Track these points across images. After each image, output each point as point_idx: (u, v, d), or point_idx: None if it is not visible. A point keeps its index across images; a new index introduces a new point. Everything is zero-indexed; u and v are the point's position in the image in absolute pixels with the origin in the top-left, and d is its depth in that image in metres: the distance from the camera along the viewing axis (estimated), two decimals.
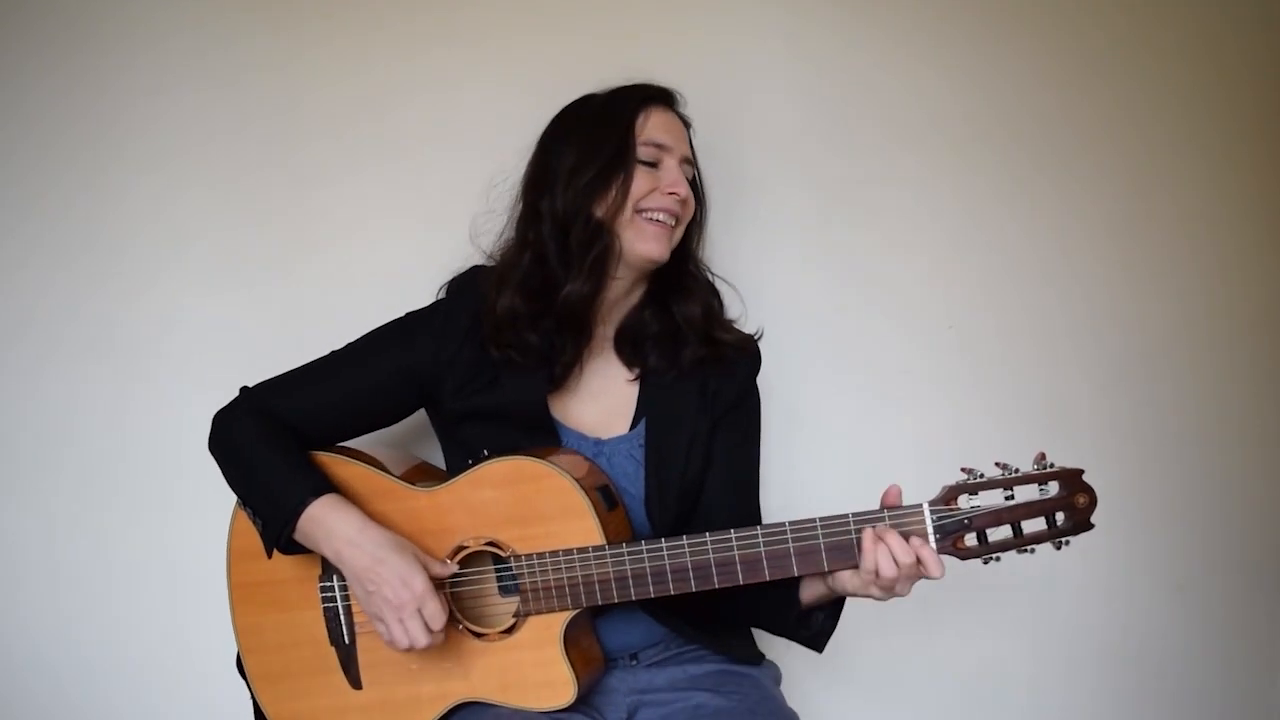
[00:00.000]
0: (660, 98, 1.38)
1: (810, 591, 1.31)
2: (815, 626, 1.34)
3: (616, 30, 1.68)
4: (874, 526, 1.20)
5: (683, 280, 1.40)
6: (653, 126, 1.35)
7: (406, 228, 1.68)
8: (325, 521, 1.25)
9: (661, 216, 1.34)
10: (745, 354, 1.43)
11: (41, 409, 1.69)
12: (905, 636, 1.70)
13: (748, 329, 1.46)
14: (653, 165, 1.34)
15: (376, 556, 1.23)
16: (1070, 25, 1.74)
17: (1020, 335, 1.78)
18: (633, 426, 1.39)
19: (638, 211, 1.33)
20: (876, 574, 1.19)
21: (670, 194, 1.33)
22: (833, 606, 1.34)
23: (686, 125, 1.41)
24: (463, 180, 1.62)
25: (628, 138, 1.33)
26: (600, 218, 1.31)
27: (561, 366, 1.35)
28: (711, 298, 1.42)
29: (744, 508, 1.44)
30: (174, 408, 1.68)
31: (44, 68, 1.64)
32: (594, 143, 1.32)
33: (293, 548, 1.28)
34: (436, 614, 1.24)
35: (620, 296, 1.38)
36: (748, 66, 1.69)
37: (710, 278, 1.44)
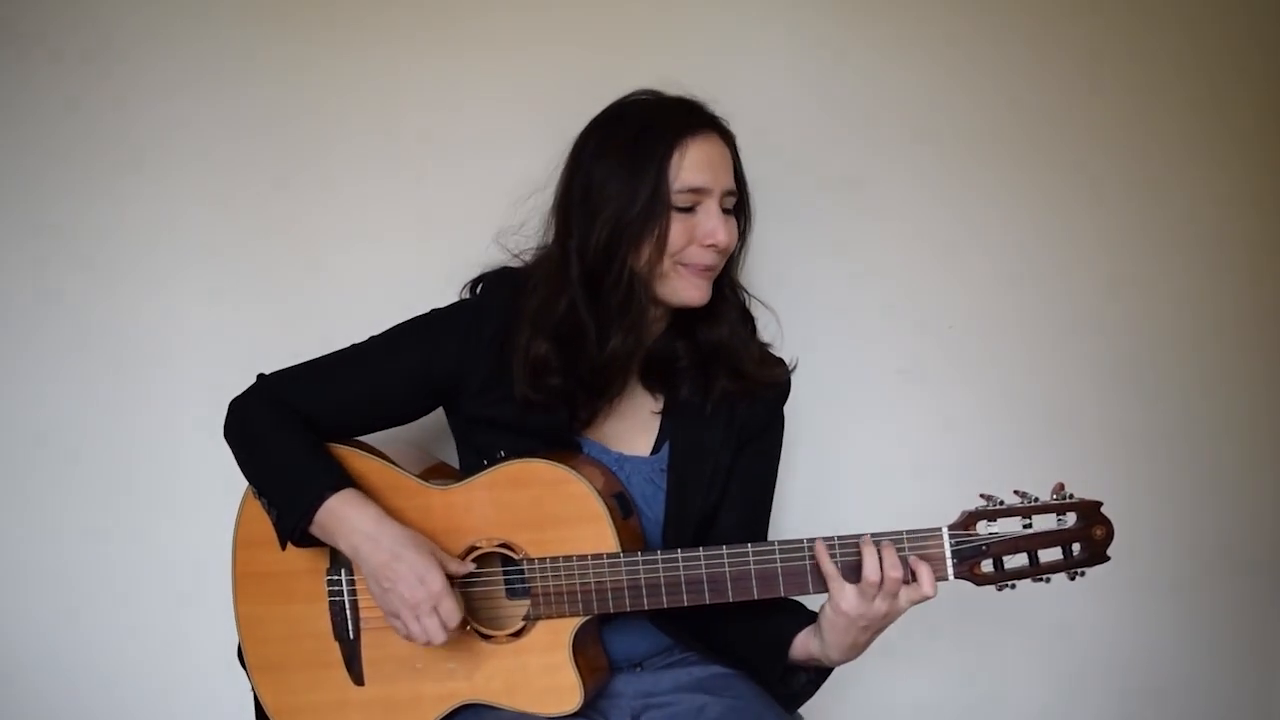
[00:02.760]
0: (696, 126, 1.27)
1: (801, 647, 1.29)
2: (795, 686, 1.33)
3: (621, 37, 1.68)
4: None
5: (715, 302, 1.34)
6: (690, 167, 1.24)
7: (411, 234, 1.68)
8: (343, 515, 1.24)
9: (702, 266, 1.27)
10: (776, 385, 1.40)
11: (47, 414, 1.68)
12: (905, 642, 1.70)
13: (782, 353, 1.43)
14: (689, 210, 1.26)
15: (394, 553, 1.22)
16: (1073, 27, 1.74)
17: (1020, 335, 1.79)
18: (654, 451, 1.38)
19: (676, 262, 1.27)
20: (865, 583, 1.18)
21: (709, 246, 1.26)
22: (818, 673, 1.33)
23: (728, 141, 1.31)
24: (468, 187, 1.63)
25: (660, 186, 1.23)
26: (635, 270, 1.25)
27: (589, 412, 1.33)
28: (741, 322, 1.37)
29: (751, 530, 1.42)
30: (179, 412, 1.67)
31: (51, 78, 1.63)
32: (625, 189, 1.23)
33: (306, 540, 1.27)
34: (453, 612, 1.23)
35: (650, 324, 1.35)
36: (748, 68, 1.70)
37: (746, 298, 1.40)
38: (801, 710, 1.36)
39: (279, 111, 1.65)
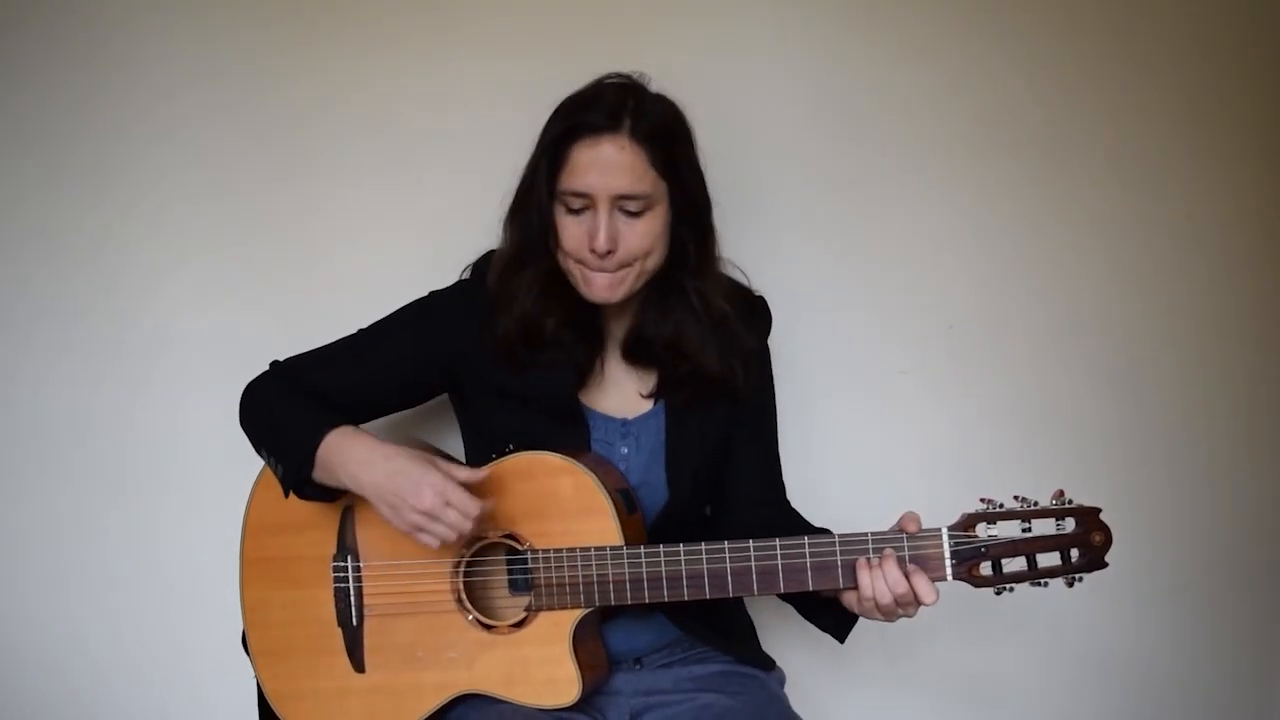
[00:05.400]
0: (597, 127, 1.25)
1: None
2: (837, 615, 1.34)
3: (621, 34, 1.69)
4: (869, 556, 1.22)
5: (666, 295, 1.35)
6: (576, 170, 1.25)
7: (408, 233, 1.70)
8: (341, 447, 1.25)
9: (591, 266, 1.29)
10: (755, 323, 1.42)
11: (48, 413, 1.69)
12: (907, 639, 1.71)
13: (780, 349, 1.46)
14: (579, 212, 1.27)
15: (389, 469, 1.23)
16: (1069, 27, 1.75)
17: (1020, 335, 1.79)
18: (656, 403, 1.40)
19: (575, 260, 1.30)
20: (875, 602, 1.21)
21: (592, 250, 1.26)
22: (841, 619, 1.35)
23: (644, 141, 1.25)
24: (463, 185, 1.63)
25: (550, 189, 1.27)
26: (550, 250, 1.31)
27: (581, 373, 1.36)
28: (694, 322, 1.34)
29: (770, 473, 1.46)
30: (177, 411, 1.69)
31: (52, 81, 1.66)
32: (527, 188, 1.30)
33: (312, 491, 1.29)
34: (465, 500, 1.22)
35: (615, 312, 1.38)
36: (748, 68, 1.71)
37: (710, 292, 1.35)
38: (801, 712, 1.36)
39: (277, 111, 1.67)
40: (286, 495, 1.30)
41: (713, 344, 1.35)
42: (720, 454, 1.42)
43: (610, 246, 1.26)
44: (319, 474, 1.27)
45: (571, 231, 1.28)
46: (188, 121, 1.67)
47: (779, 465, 1.49)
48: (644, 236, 1.28)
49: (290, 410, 1.32)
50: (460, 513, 1.21)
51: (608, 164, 1.25)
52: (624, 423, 1.39)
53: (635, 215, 1.27)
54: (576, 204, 1.27)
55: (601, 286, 1.29)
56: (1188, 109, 1.79)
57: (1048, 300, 1.79)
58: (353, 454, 1.25)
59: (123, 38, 1.66)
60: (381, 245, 1.70)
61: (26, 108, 1.66)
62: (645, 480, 1.37)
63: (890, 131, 1.74)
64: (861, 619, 1.32)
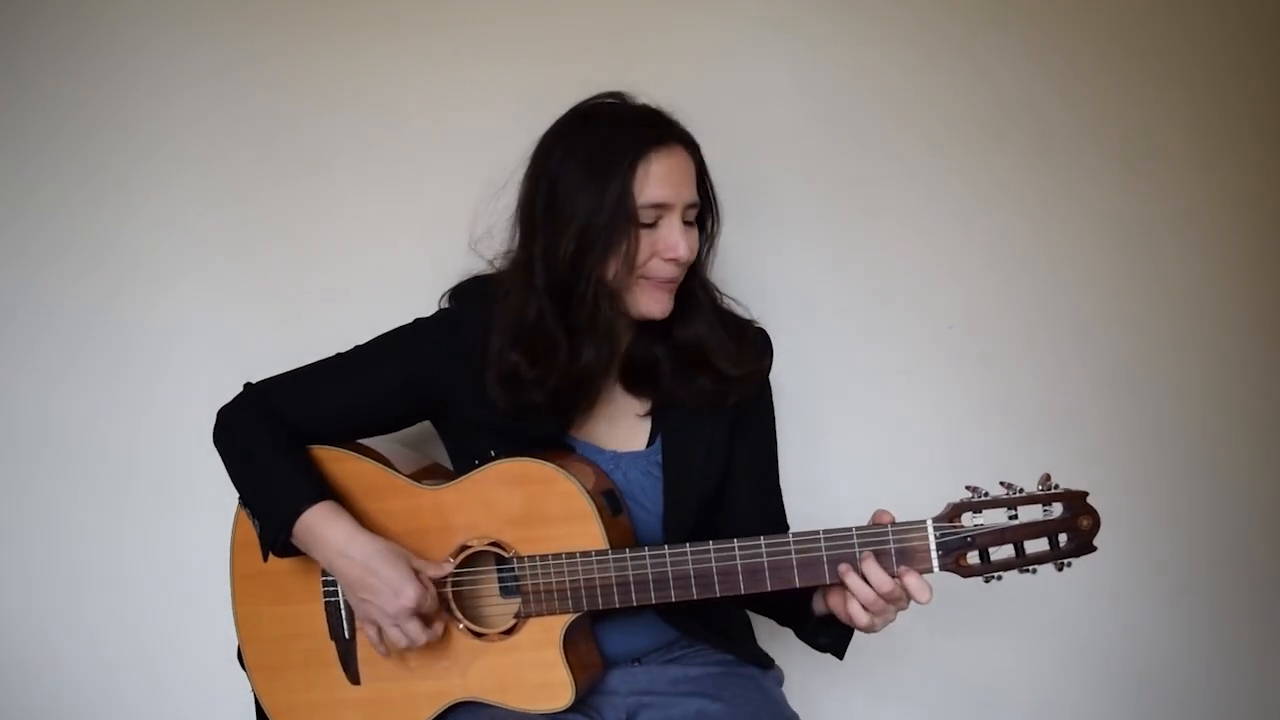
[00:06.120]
0: (660, 138, 1.25)
1: (820, 604, 1.31)
2: (834, 634, 1.33)
3: (617, 32, 1.68)
4: (851, 561, 1.21)
5: (686, 301, 1.34)
6: (653, 183, 1.23)
7: (409, 233, 1.69)
8: (317, 531, 1.25)
9: (663, 278, 1.28)
10: (758, 378, 1.40)
11: (50, 416, 1.70)
12: (906, 637, 1.71)
13: (779, 352, 1.43)
14: (652, 225, 1.26)
15: (367, 568, 1.24)
16: (1074, 24, 1.74)
17: (1020, 334, 1.78)
18: (649, 444, 1.38)
19: (639, 275, 1.27)
20: (862, 604, 1.20)
21: (670, 260, 1.26)
22: (840, 632, 1.34)
23: (691, 150, 1.29)
24: (464, 186, 1.60)
25: (625, 202, 1.22)
26: (603, 281, 1.25)
27: (568, 419, 1.34)
28: (715, 319, 1.36)
29: (769, 505, 1.44)
30: (180, 414, 1.69)
31: (62, 84, 1.66)
32: (591, 202, 1.22)
33: (290, 550, 1.29)
34: (417, 633, 1.26)
35: (620, 333, 1.36)
36: (748, 67, 1.70)
37: (717, 296, 1.39)
38: (798, 709, 1.37)
39: (277, 116, 1.67)
40: (266, 559, 1.31)
41: (729, 341, 1.36)
42: (718, 495, 1.40)
43: (691, 254, 1.27)
44: (294, 541, 1.27)
45: (643, 246, 1.26)
46: (186, 128, 1.67)
47: (780, 502, 1.47)
48: (697, 243, 1.31)
49: (265, 463, 1.30)
50: (409, 637, 1.25)
51: (683, 172, 1.27)
52: (614, 455, 1.37)
53: (691, 224, 1.30)
54: (650, 217, 1.25)
55: (661, 300, 1.29)
56: (1187, 107, 1.77)
57: (1048, 300, 1.78)
58: (329, 540, 1.25)
59: (122, 44, 1.66)
60: (384, 250, 1.69)
61: (27, 111, 1.66)
62: (635, 516, 1.35)
63: (891, 130, 1.73)
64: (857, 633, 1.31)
